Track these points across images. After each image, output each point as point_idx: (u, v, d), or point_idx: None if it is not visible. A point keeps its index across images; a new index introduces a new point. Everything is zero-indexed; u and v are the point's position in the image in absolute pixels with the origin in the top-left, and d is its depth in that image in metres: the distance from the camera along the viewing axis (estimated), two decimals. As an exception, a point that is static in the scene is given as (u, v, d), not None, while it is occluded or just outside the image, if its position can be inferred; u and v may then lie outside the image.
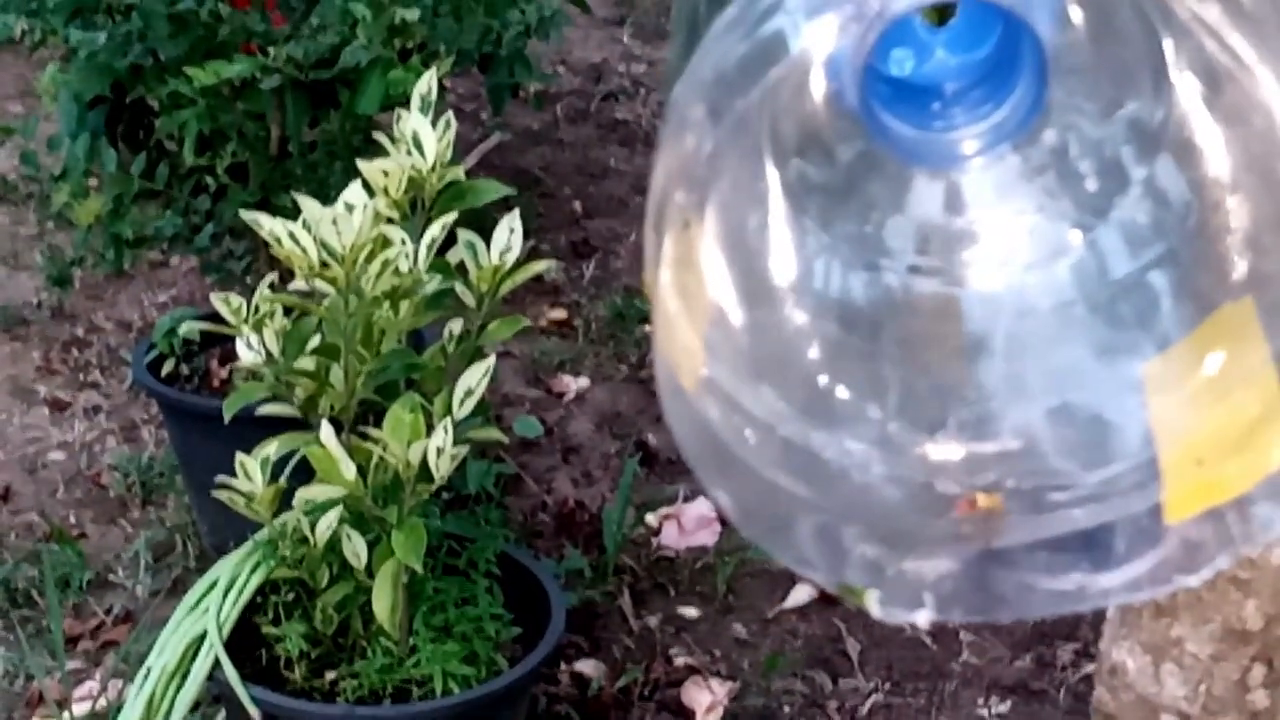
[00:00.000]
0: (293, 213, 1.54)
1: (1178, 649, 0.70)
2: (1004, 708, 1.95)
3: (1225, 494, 0.44)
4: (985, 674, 2.00)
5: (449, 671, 1.64)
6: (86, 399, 2.44)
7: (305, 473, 1.60)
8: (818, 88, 0.43)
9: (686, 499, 2.22)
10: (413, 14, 1.79)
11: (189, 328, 1.81)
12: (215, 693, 1.73)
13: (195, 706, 1.67)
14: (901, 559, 0.44)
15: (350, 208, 1.52)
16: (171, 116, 2.01)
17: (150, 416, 2.38)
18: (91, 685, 1.90)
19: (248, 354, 1.62)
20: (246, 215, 1.53)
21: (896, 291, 0.46)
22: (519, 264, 1.67)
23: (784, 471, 0.45)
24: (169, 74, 1.99)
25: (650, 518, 2.22)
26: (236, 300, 1.59)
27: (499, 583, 1.73)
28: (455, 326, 1.66)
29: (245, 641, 1.67)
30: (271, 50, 1.89)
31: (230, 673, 1.61)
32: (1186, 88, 0.43)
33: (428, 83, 1.66)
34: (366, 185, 1.58)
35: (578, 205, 2.98)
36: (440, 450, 1.53)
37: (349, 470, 1.55)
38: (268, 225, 1.51)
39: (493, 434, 1.65)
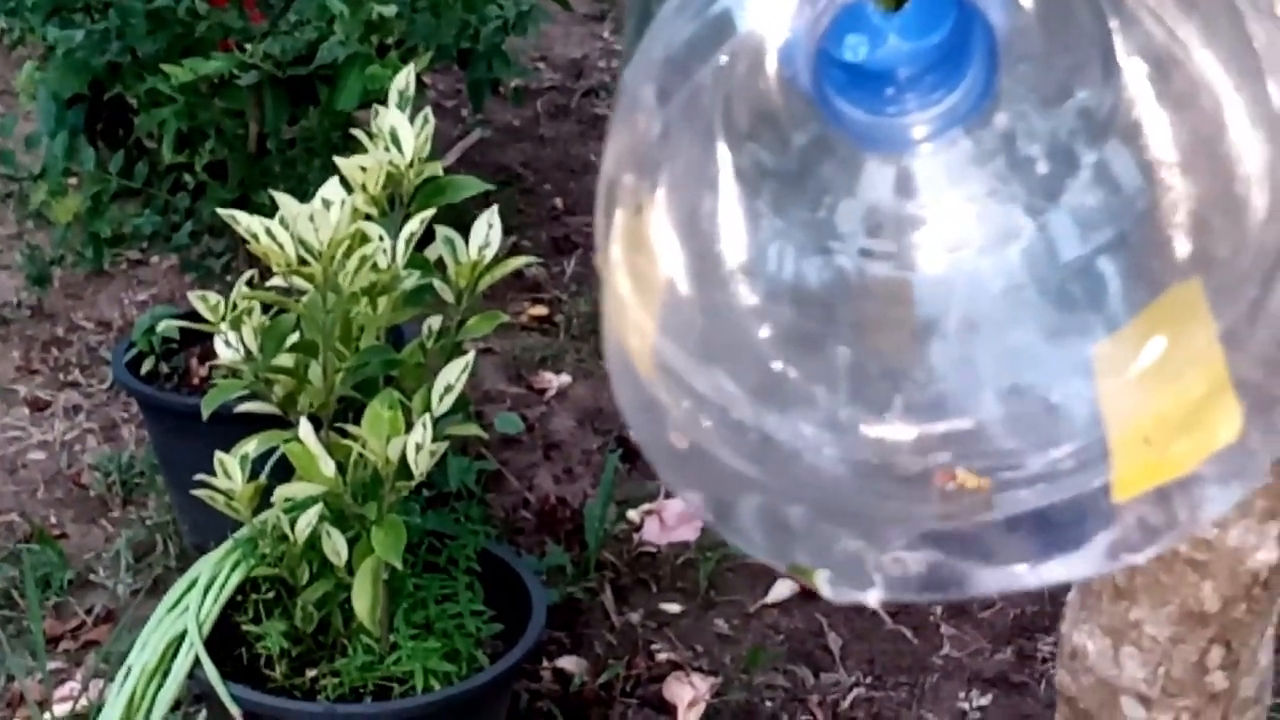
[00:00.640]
0: (272, 210, 1.54)
1: (1136, 631, 0.71)
2: (985, 700, 1.95)
3: (1172, 472, 0.44)
4: (966, 667, 2.00)
5: (430, 668, 1.63)
6: (67, 398, 2.44)
7: (285, 470, 1.60)
8: (772, 71, 0.43)
9: (668, 495, 2.22)
10: (390, 10, 1.79)
11: (167, 326, 1.81)
12: (196, 691, 1.73)
13: (176, 705, 1.67)
14: (850, 539, 0.45)
15: (328, 204, 1.52)
16: (150, 114, 2.01)
17: (131, 415, 2.37)
18: (72, 685, 1.90)
19: (226, 351, 1.62)
20: (224, 213, 1.52)
21: (850, 275, 0.47)
22: (498, 260, 1.66)
23: (735, 453, 0.46)
24: (147, 71, 1.98)
25: (632, 513, 2.22)
26: (214, 298, 1.58)
27: (480, 579, 1.73)
28: (434, 323, 1.66)
29: (226, 640, 1.67)
30: (249, 47, 1.89)
31: (210, 671, 1.60)
32: (1134, 72, 0.44)
33: (405, 79, 1.66)
34: (344, 181, 1.58)
35: (559, 201, 2.98)
36: (419, 447, 1.53)
37: (328, 467, 1.55)
38: (245, 222, 1.51)
39: (472, 430, 1.64)
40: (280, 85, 1.99)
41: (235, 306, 1.58)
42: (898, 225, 0.47)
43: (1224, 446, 0.44)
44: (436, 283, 1.64)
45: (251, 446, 1.61)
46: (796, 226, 0.46)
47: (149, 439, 2.23)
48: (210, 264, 2.10)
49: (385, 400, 1.56)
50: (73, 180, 2.17)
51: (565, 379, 2.51)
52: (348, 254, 1.52)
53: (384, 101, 1.66)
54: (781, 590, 2.09)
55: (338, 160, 1.59)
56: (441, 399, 1.59)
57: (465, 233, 1.65)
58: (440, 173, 1.64)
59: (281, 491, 1.59)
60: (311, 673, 1.65)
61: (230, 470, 1.60)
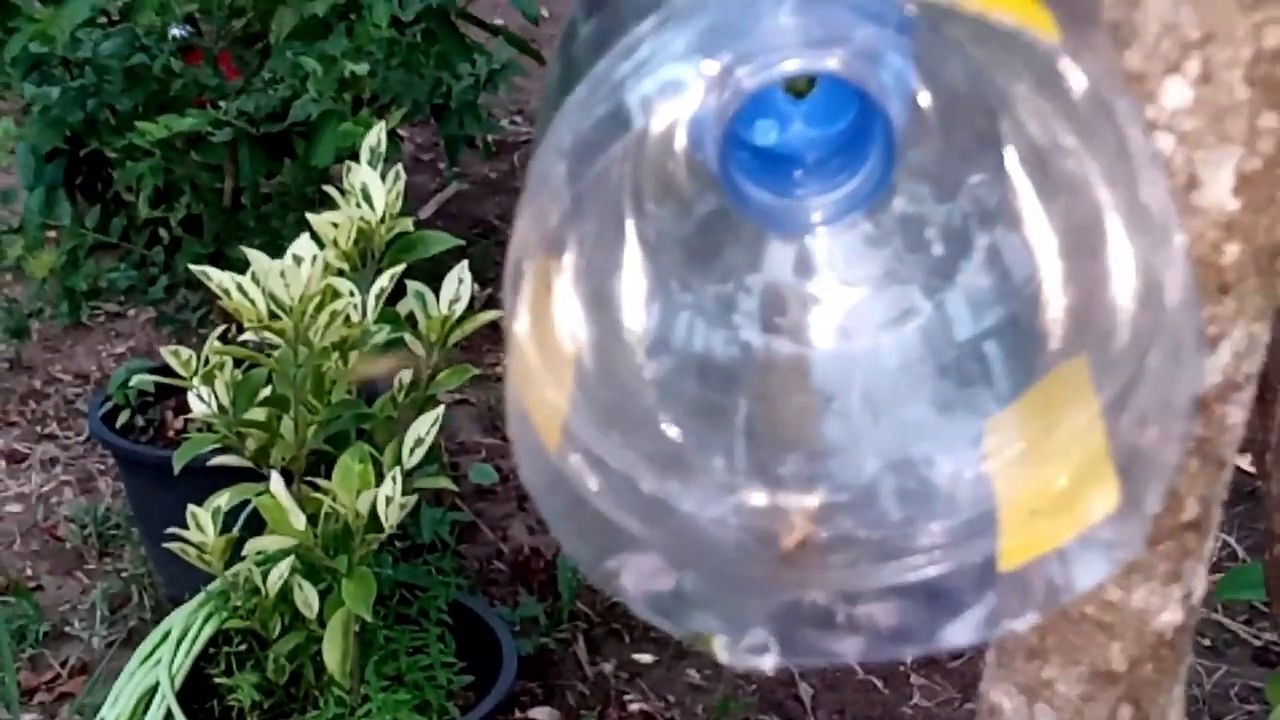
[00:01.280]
0: (246, 264, 1.56)
1: (1049, 690, 0.73)
2: (955, 750, 1.97)
3: (1053, 542, 0.46)
4: (936, 716, 2.01)
5: (400, 720, 1.64)
6: (44, 450, 2.45)
7: (258, 523, 1.61)
8: (680, 150, 0.45)
9: (641, 545, 2.23)
10: (362, 68, 1.81)
11: (140, 380, 1.82)
12: (168, 744, 1.73)
13: (148, 758, 1.67)
14: (741, 605, 0.47)
15: (299, 260, 1.53)
16: (127, 169, 2.03)
17: (107, 468, 2.38)
18: (46, 738, 1.90)
19: (199, 406, 1.63)
20: (196, 269, 1.54)
21: (754, 349, 0.49)
22: (470, 313, 1.68)
23: (642, 523, 0.48)
24: (124, 127, 2.00)
25: (607, 564, 2.23)
26: (187, 353, 1.60)
27: (451, 631, 1.74)
28: (405, 376, 1.68)
29: (198, 692, 1.68)
30: (223, 104, 1.91)
31: (182, 723, 1.61)
32: (1020, 168, 0.46)
33: (377, 135, 1.68)
34: (316, 237, 1.60)
35: (534, 253, 3.00)
36: (389, 499, 1.54)
37: (299, 520, 1.56)
38: (216, 278, 1.52)
39: (441, 482, 1.66)
40: (255, 141, 2.01)
41: (208, 361, 1.60)
42: (800, 303, 0.49)
43: (1102, 518, 0.46)
44: (407, 337, 1.66)
45: (224, 500, 1.62)
46: (705, 300, 0.48)
47: (125, 491, 2.24)
48: (186, 318, 2.11)
49: (356, 454, 1.57)
50: (52, 234, 2.19)
51: (540, 430, 2.52)
52: (319, 309, 1.54)
53: (357, 158, 1.68)
54: (753, 641, 2.10)
55: (309, 216, 1.61)
56: (412, 452, 1.60)
57: (441, 286, 1.67)
58: (411, 228, 1.65)
59: (253, 544, 1.60)
60: (283, 725, 1.66)
61: (202, 523, 1.61)
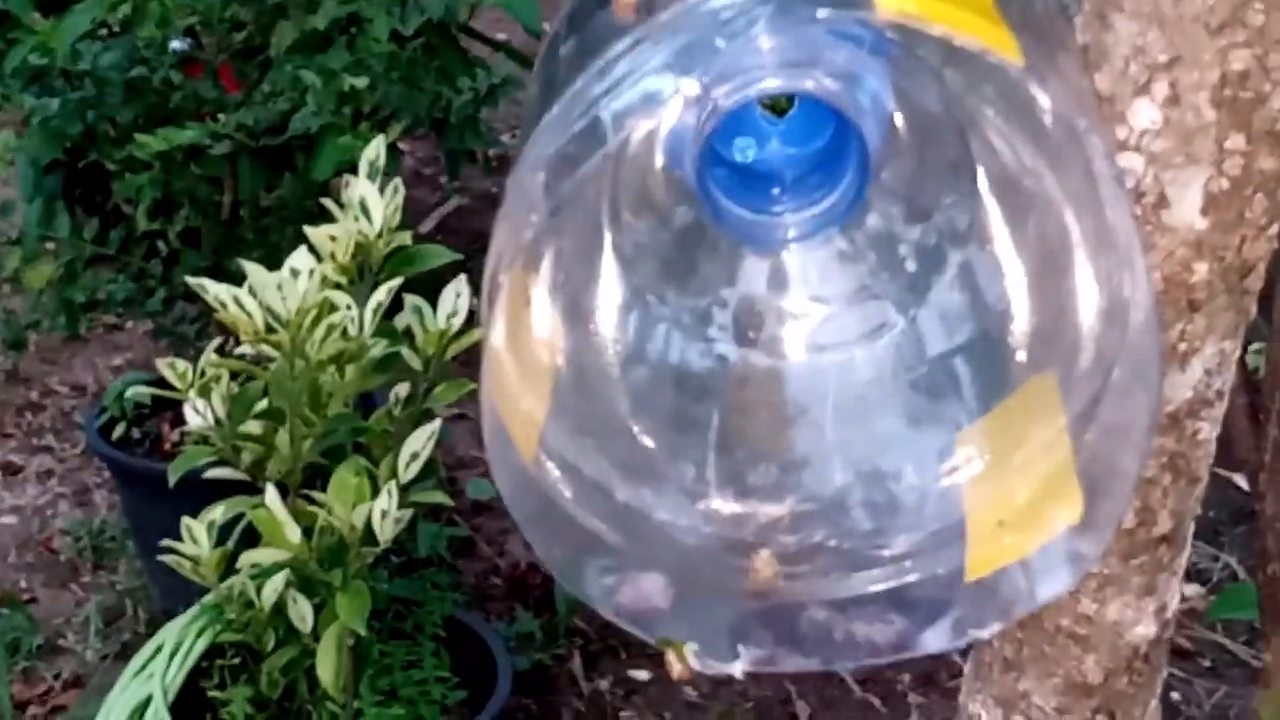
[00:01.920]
0: (245, 277, 1.56)
1: (1025, 702, 0.74)
2: (952, 769, 1.96)
3: (1017, 554, 0.47)
4: (933, 736, 2.01)
5: (394, 735, 1.64)
6: (39, 463, 2.45)
7: (253, 536, 1.61)
8: (658, 165, 0.46)
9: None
10: (362, 82, 1.81)
11: (135, 392, 1.82)
12: (161, 758, 1.73)
13: (140, 772, 1.67)
14: (710, 611, 0.48)
15: (296, 273, 1.53)
16: (125, 181, 2.03)
17: (103, 480, 2.38)
18: (39, 751, 1.90)
19: (195, 418, 1.62)
20: (192, 281, 1.54)
21: (730, 362, 0.50)
22: (468, 327, 1.68)
23: (615, 531, 0.48)
24: (123, 139, 2.00)
25: (604, 580, 2.22)
26: (182, 365, 1.60)
27: (447, 646, 1.73)
28: (402, 390, 1.67)
29: (191, 706, 1.67)
30: (222, 117, 1.91)
31: (175, 737, 1.60)
32: (990, 189, 0.47)
33: (376, 149, 1.68)
34: (314, 250, 1.60)
35: (535, 268, 3.00)
36: (385, 513, 1.54)
37: (294, 534, 1.55)
38: (213, 290, 1.52)
39: (437, 497, 1.65)
40: (255, 155, 2.01)
41: (203, 374, 1.59)
42: (775, 317, 0.49)
43: (1065, 530, 0.46)
44: (405, 351, 1.65)
45: (218, 512, 1.62)
46: (682, 313, 0.49)
47: (120, 504, 2.24)
48: (184, 330, 2.11)
49: (352, 467, 1.57)
50: (50, 245, 2.19)
51: (538, 445, 2.52)
52: (315, 322, 1.53)
53: (356, 171, 1.68)
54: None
55: (307, 230, 1.60)
56: (408, 466, 1.60)
57: (437, 300, 1.66)
58: (409, 242, 1.65)
59: (247, 557, 1.60)
60: (276, 739, 1.66)
61: (197, 536, 1.61)
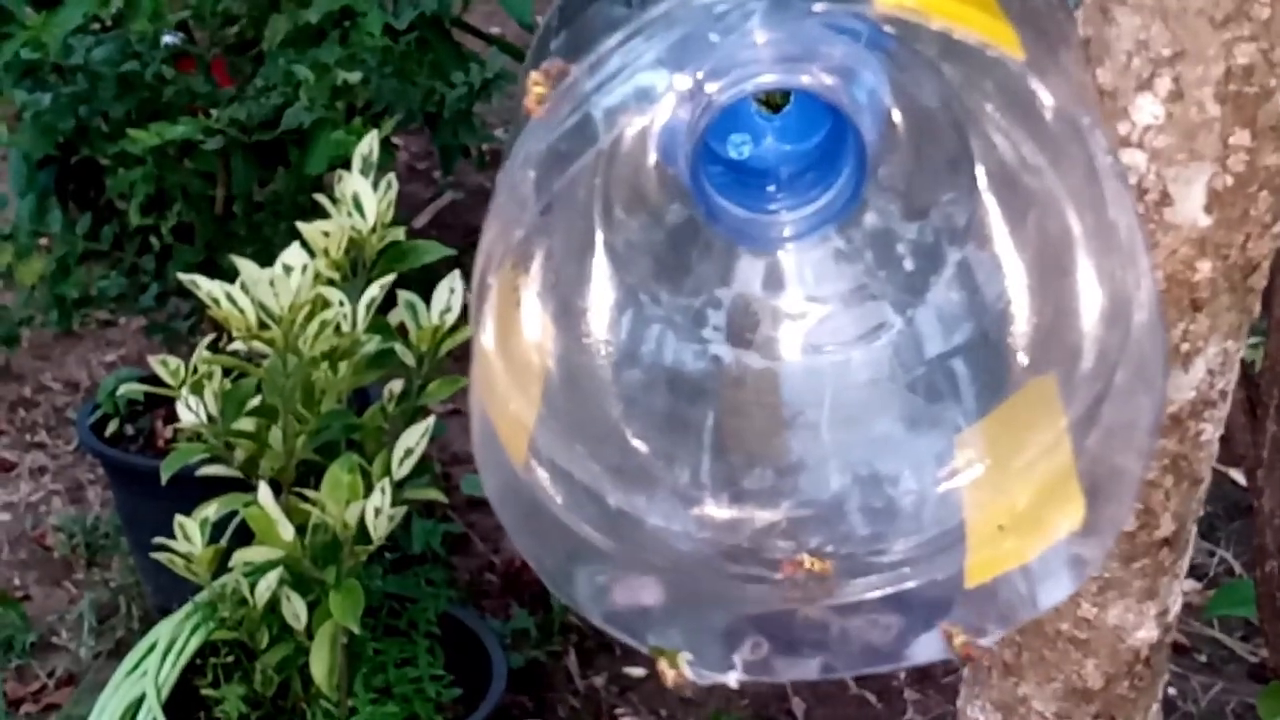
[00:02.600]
0: (238, 273, 1.55)
1: (1025, 707, 0.73)
2: (948, 766, 1.95)
3: (1018, 559, 0.46)
4: (930, 732, 2.00)
5: (388, 733, 1.63)
6: (33, 459, 2.44)
7: (247, 533, 1.60)
8: (651, 163, 0.45)
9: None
10: (355, 76, 1.80)
11: (128, 388, 1.81)
12: (154, 756, 1.72)
13: (134, 770, 1.66)
14: (703, 619, 0.47)
15: (289, 269, 1.52)
16: (118, 177, 2.02)
17: (96, 477, 2.37)
18: (32, 749, 1.89)
19: (188, 415, 1.62)
20: (184, 277, 1.53)
21: (724, 363, 0.49)
22: (462, 323, 1.67)
23: (608, 537, 0.47)
24: (116, 135, 1.99)
25: (600, 577, 2.22)
26: (175, 362, 1.59)
27: (441, 643, 1.72)
28: (396, 386, 1.66)
29: (185, 704, 1.66)
30: (215, 112, 1.90)
31: (168, 735, 1.60)
32: (990, 186, 0.46)
33: (369, 144, 1.67)
34: (307, 246, 1.59)
35: (530, 263, 2.99)
36: (378, 511, 1.53)
37: (287, 531, 1.55)
38: (205, 286, 1.51)
39: (431, 494, 1.65)
40: (248, 149, 2.00)
41: (196, 370, 1.59)
42: (770, 317, 0.49)
43: (1067, 534, 0.46)
44: (398, 347, 1.65)
45: (211, 510, 1.61)
46: (676, 314, 0.48)
47: (114, 501, 2.23)
48: (177, 326, 2.10)
49: (345, 464, 1.56)
50: (43, 241, 2.18)
51: (533, 441, 2.51)
52: (308, 318, 1.52)
53: (350, 166, 1.67)
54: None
55: (300, 225, 1.60)
56: (402, 463, 1.59)
57: (430, 296, 1.65)
58: (402, 238, 1.64)
59: (241, 555, 1.59)
60: (270, 737, 1.65)
61: (190, 533, 1.60)
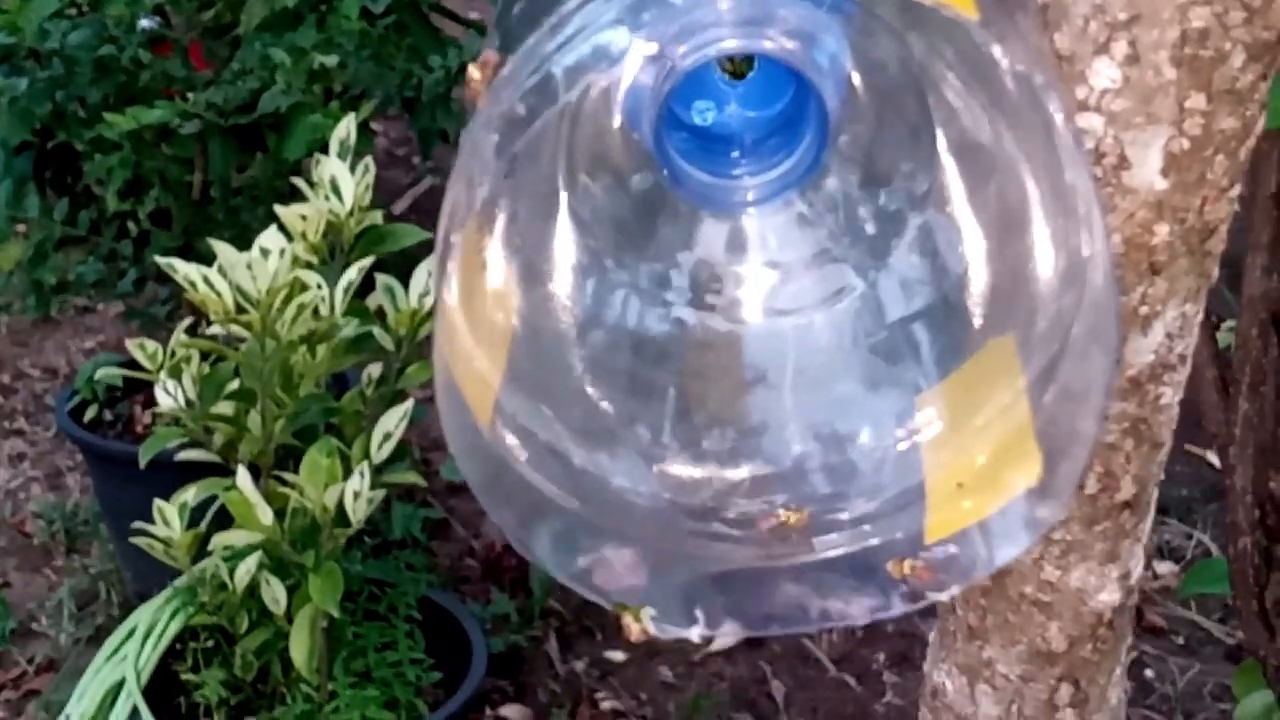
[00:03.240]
0: (215, 258, 1.55)
1: (989, 670, 0.74)
2: (928, 747, 1.96)
3: (976, 516, 0.47)
4: (909, 715, 2.01)
5: (368, 717, 1.63)
6: (11, 446, 2.43)
7: (226, 518, 1.60)
8: (615, 126, 0.45)
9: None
10: (332, 60, 1.80)
11: (106, 374, 1.81)
12: (134, 740, 1.72)
13: (113, 755, 1.66)
14: (666, 576, 0.48)
15: (266, 253, 1.52)
16: (95, 162, 2.01)
17: (75, 463, 2.37)
18: (11, 735, 1.89)
19: (166, 399, 1.62)
20: (162, 261, 1.53)
21: (688, 326, 0.49)
22: (440, 308, 1.67)
23: (575, 497, 0.48)
24: (93, 119, 1.99)
25: (580, 561, 2.22)
26: (152, 346, 1.59)
27: (421, 627, 1.73)
28: (374, 370, 1.66)
29: (165, 688, 1.66)
30: (191, 96, 1.90)
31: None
32: (950, 152, 0.47)
33: (346, 127, 1.67)
34: (285, 230, 1.59)
35: (510, 250, 2.99)
36: (357, 494, 1.53)
37: (266, 515, 1.55)
38: (183, 270, 1.51)
39: (410, 477, 1.65)
40: (225, 134, 2.00)
41: (173, 354, 1.58)
42: (733, 280, 0.49)
43: (1024, 491, 0.46)
44: (377, 331, 1.65)
45: (190, 494, 1.61)
46: (640, 277, 0.48)
47: (93, 487, 2.23)
48: (155, 311, 2.10)
49: (323, 448, 1.56)
50: (21, 227, 2.17)
51: (513, 426, 2.51)
52: (286, 302, 1.52)
53: (327, 150, 1.67)
54: (726, 639, 2.10)
55: (278, 209, 1.59)
56: (381, 446, 1.59)
57: (408, 281, 1.65)
58: (380, 221, 1.64)
59: (220, 539, 1.59)
60: (250, 721, 1.65)
61: (169, 518, 1.60)
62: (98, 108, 1.95)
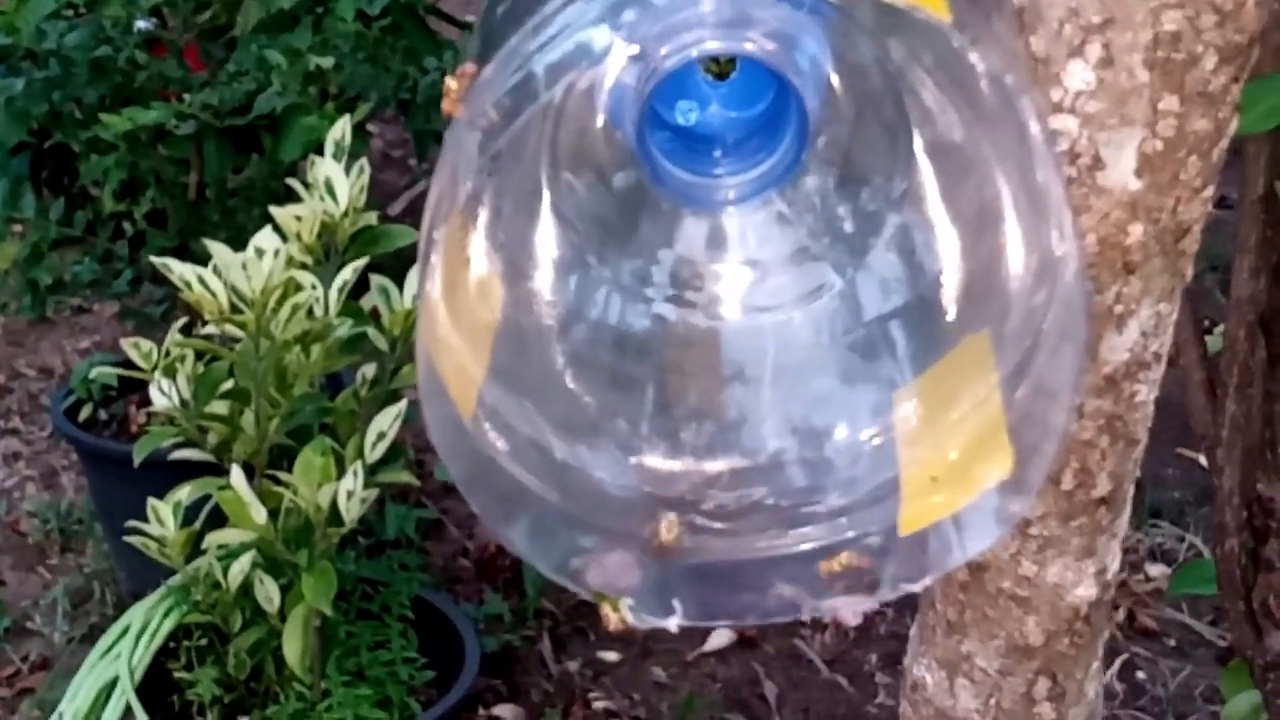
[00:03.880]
0: (210, 258, 1.55)
1: (968, 664, 0.75)
2: (919, 748, 1.97)
3: (949, 509, 0.48)
4: (900, 715, 2.02)
5: (361, 715, 1.64)
6: (6, 445, 2.44)
7: (220, 517, 1.61)
8: (599, 124, 0.46)
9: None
10: (328, 61, 1.81)
11: (101, 373, 1.81)
12: (128, 738, 1.73)
13: (107, 753, 1.67)
14: (647, 567, 0.48)
15: (261, 253, 1.53)
16: (92, 162, 2.02)
17: (70, 463, 2.37)
18: (5, 733, 1.90)
19: (160, 399, 1.62)
20: (157, 261, 1.54)
21: (669, 322, 0.50)
22: (434, 309, 1.68)
23: (556, 491, 0.49)
24: (89, 120, 2.00)
25: (573, 561, 2.22)
26: (147, 345, 1.59)
27: (415, 627, 1.73)
28: (369, 370, 1.67)
29: (158, 687, 1.67)
30: (188, 97, 1.90)
31: (142, 718, 1.60)
32: (926, 152, 0.47)
33: (341, 129, 1.68)
34: (280, 230, 1.59)
35: (505, 252, 3.00)
36: (350, 494, 1.54)
37: (259, 514, 1.55)
38: (178, 270, 1.52)
39: (403, 477, 1.65)
40: (221, 135, 2.00)
41: (168, 354, 1.59)
42: (714, 278, 0.50)
43: (996, 484, 0.47)
44: (371, 331, 1.65)
45: (184, 493, 1.62)
46: (622, 274, 0.49)
47: (87, 486, 2.23)
48: (150, 312, 2.11)
49: (318, 448, 1.57)
50: (17, 227, 2.18)
51: (508, 428, 2.52)
52: (280, 302, 1.53)
53: (322, 151, 1.68)
54: (719, 639, 2.11)
55: (272, 209, 1.60)
56: (374, 446, 1.60)
57: (401, 282, 1.66)
58: (375, 222, 1.65)
59: (214, 538, 1.60)
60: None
61: (163, 517, 1.61)
62: (94, 108, 1.95)
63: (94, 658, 1.69)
